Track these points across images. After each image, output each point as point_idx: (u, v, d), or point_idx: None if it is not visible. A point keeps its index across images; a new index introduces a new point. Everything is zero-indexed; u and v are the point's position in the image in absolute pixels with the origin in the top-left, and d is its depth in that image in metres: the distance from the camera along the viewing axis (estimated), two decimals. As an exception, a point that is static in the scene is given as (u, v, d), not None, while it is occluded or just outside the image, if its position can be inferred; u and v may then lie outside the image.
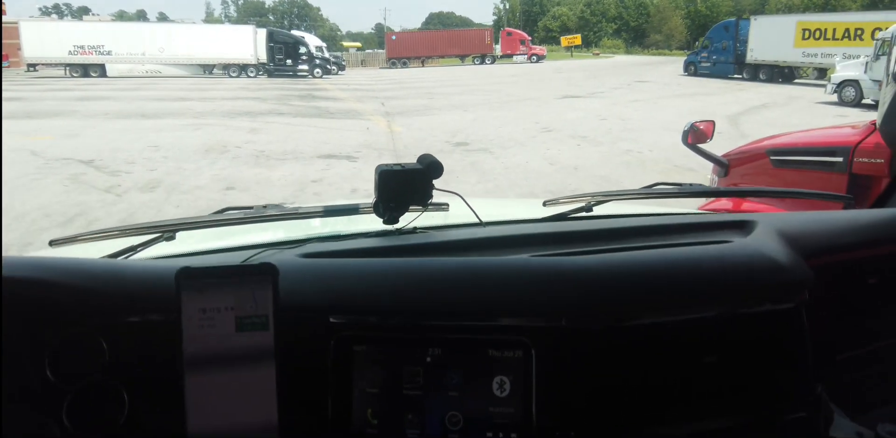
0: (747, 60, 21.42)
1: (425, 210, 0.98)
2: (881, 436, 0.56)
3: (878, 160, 2.24)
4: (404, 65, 37.41)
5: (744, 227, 0.96)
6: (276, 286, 0.65)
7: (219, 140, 8.73)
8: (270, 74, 26.68)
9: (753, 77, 21.16)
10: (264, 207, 1.09)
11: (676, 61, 28.88)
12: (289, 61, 27.10)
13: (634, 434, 0.76)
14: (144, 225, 1.02)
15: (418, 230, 1.00)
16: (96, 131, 9.47)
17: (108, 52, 25.13)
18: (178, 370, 0.63)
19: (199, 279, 0.64)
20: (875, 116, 1.97)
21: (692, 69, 23.96)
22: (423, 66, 37.44)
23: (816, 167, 2.49)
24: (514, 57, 40.22)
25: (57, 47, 24.47)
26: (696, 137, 2.50)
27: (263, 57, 26.66)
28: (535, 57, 39.87)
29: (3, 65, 21.46)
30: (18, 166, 6.82)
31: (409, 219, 1.00)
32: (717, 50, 23.13)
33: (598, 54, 50.57)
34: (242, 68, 26.50)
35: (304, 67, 27.16)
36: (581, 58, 45.50)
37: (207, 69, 26.96)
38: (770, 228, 0.92)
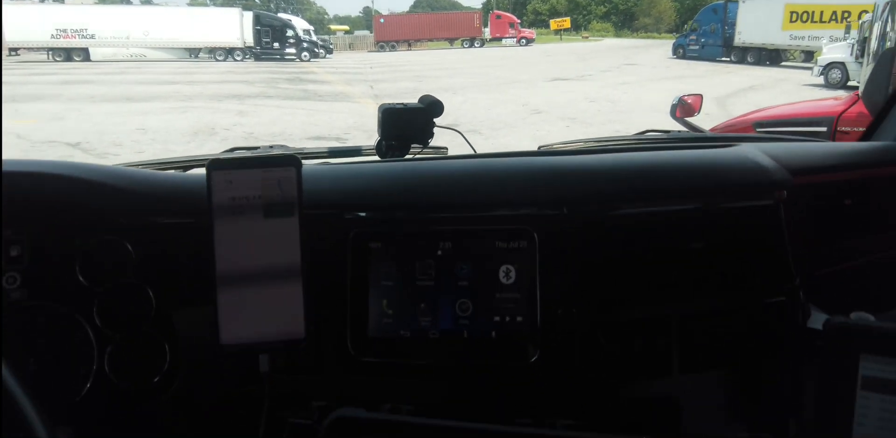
0: (735, 42, 21.45)
1: (424, 148, 1.03)
2: (853, 321, 0.61)
3: (861, 129, 2.30)
4: (392, 48, 37.04)
5: (731, 145, 1.02)
6: (299, 176, 0.67)
7: (207, 123, 8.66)
8: (257, 58, 26.31)
9: (741, 60, 21.21)
10: (270, 147, 1.14)
11: (665, 44, 28.83)
12: (276, 45, 26.72)
13: (626, 312, 0.82)
14: (155, 161, 1.07)
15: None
16: (82, 115, 9.35)
17: (92, 36, 24.65)
18: (209, 258, 0.65)
19: (227, 169, 0.66)
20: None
21: (681, 52, 23.95)
22: (410, 49, 37.11)
23: (800, 137, 2.56)
24: (504, 40, 39.95)
25: (38, 31, 23.93)
26: (683, 110, 2.53)
27: (250, 40, 26.25)
28: (524, 40, 39.62)
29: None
30: (4, 149, 6.74)
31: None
32: (705, 33, 23.12)
33: (587, 38, 50.30)
34: (229, 52, 26.09)
35: (292, 50, 26.80)
36: (570, 41, 45.26)
37: (193, 53, 26.55)
38: (754, 145, 0.99)
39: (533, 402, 0.80)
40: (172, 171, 1.05)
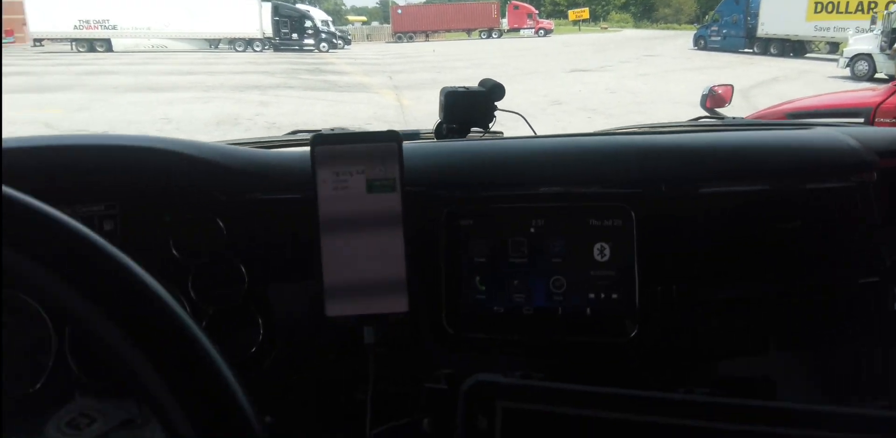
0: (758, 33, 21.08)
1: (485, 132, 1.04)
2: None
3: None
4: (410, 39, 36.93)
5: (810, 127, 1.03)
6: (401, 151, 0.68)
7: (229, 113, 8.74)
8: (276, 49, 26.40)
9: (764, 51, 20.86)
10: (332, 129, 1.18)
11: (686, 35, 28.43)
12: (294, 35, 26.77)
13: (723, 290, 0.82)
14: (246, 141, 1.11)
15: None
16: (107, 104, 9.48)
17: (114, 27, 24.89)
18: (313, 232, 0.67)
19: (331, 144, 0.67)
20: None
21: (702, 43, 23.61)
22: (427, 40, 36.98)
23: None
24: (522, 31, 39.66)
25: (62, 22, 24.22)
26: (714, 101, 2.52)
27: (269, 31, 26.31)
28: (542, 31, 39.29)
29: (5, 40, 21.29)
30: (33, 137, 6.89)
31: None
32: (727, 24, 22.75)
33: (606, 28, 49.77)
34: (248, 43, 26.19)
35: (310, 41, 26.83)
36: (589, 32, 44.80)
37: (213, 44, 26.71)
38: (835, 128, 1.00)
39: (631, 378, 0.80)
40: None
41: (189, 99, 10.15)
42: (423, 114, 8.88)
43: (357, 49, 29.32)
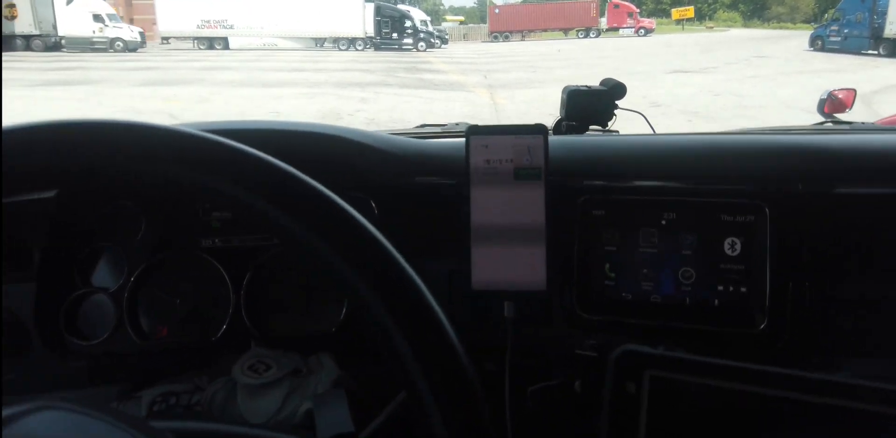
0: (885, 33, 19.33)
1: (604, 130, 1.07)
2: None
3: None
4: (506, 39, 36.86)
5: None
6: (546, 143, 0.74)
7: (332, 108, 9.17)
8: (377, 48, 27.26)
9: (892, 53, 19.10)
10: (456, 124, 1.26)
11: (801, 36, 26.56)
12: (394, 35, 27.55)
13: (857, 290, 0.82)
14: (400, 131, 1.19)
15: None
16: (223, 97, 10.21)
17: (231, 27, 26.70)
18: (463, 214, 0.74)
19: (484, 134, 0.75)
20: None
21: (819, 44, 21.99)
22: (523, 39, 36.76)
23: None
24: (621, 30, 38.55)
25: (187, 22, 26.30)
26: (833, 106, 2.36)
27: (371, 30, 27.26)
28: (642, 30, 38.01)
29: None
30: (161, 127, 7.56)
31: None
32: (849, 23, 21.04)
33: (711, 28, 47.36)
34: (351, 42, 27.25)
35: (409, 40, 27.51)
36: (693, 31, 42.81)
37: (319, 42, 27.96)
38: None
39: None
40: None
41: (296, 95, 10.73)
42: (517, 113, 8.91)
43: (453, 48, 29.66)
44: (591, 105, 1.00)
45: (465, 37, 40.28)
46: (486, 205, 0.74)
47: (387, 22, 27.42)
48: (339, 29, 27.08)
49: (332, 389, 0.79)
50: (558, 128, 1.09)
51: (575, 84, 1.08)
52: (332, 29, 27.11)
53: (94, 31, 23.62)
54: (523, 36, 37.54)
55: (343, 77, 13.84)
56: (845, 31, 21.12)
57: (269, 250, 0.92)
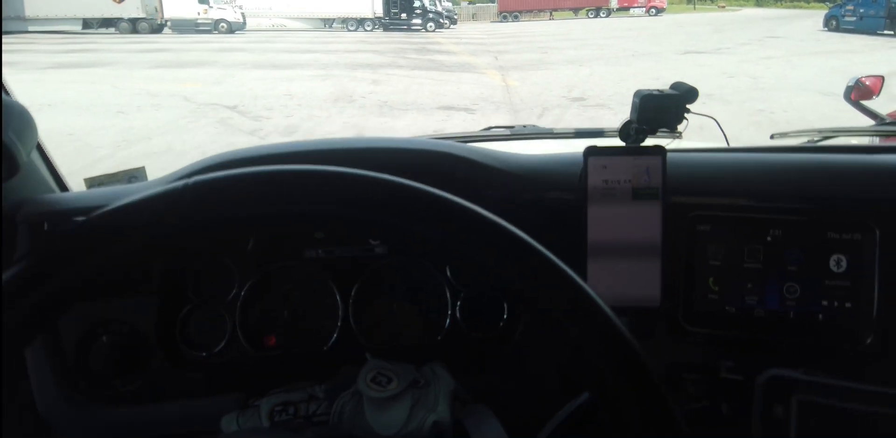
0: (902, 13, 19.05)
1: (674, 136, 1.09)
2: None
3: None
4: (515, 18, 36.38)
5: None
6: (664, 164, 0.76)
7: (344, 90, 9.18)
8: (386, 28, 27.01)
9: (908, 33, 18.84)
10: (524, 126, 1.30)
11: (815, 15, 26.11)
12: (403, 15, 27.27)
13: None
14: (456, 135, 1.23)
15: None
16: (236, 80, 10.22)
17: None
18: (579, 230, 0.75)
19: (602, 155, 0.77)
20: None
21: (834, 24, 21.61)
22: (533, 19, 36.30)
23: None
24: (631, 10, 37.91)
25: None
26: (860, 93, 2.27)
27: (380, 11, 26.98)
28: (653, 10, 37.36)
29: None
30: (175, 109, 7.60)
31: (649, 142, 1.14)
32: (865, 2, 20.60)
33: (723, 7, 46.52)
34: (360, 22, 26.99)
35: (418, 21, 27.23)
36: (704, 11, 42.14)
37: (328, 23, 27.72)
38: None
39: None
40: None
41: (308, 76, 10.73)
42: (530, 95, 8.89)
43: (462, 28, 29.38)
44: (662, 109, 0.98)
45: (475, 17, 39.79)
46: (603, 223, 0.76)
47: (395, 2, 27.12)
48: (347, 9, 26.79)
49: (466, 402, 0.80)
50: (626, 130, 1.10)
51: (647, 88, 1.09)
52: (340, 9, 26.84)
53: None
54: (533, 16, 37.06)
55: (353, 58, 13.79)
56: (861, 10, 20.73)
57: (375, 261, 0.93)
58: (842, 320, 0.82)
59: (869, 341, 0.80)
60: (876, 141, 1.54)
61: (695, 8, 44.30)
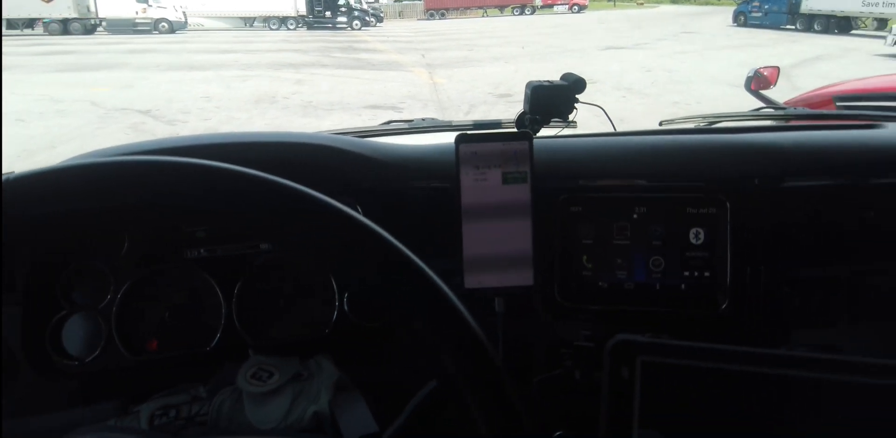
0: (801, 9, 20.29)
1: (565, 122, 1.11)
2: None
3: None
4: (442, 16, 36.52)
5: (875, 126, 1.12)
6: (531, 148, 0.78)
7: (267, 91, 8.91)
8: (310, 27, 26.45)
9: (808, 28, 20.11)
10: (423, 119, 1.29)
11: (725, 12, 27.49)
12: (327, 13, 26.77)
13: (805, 270, 0.93)
14: (349, 130, 1.22)
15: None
16: (149, 83, 9.73)
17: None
18: (454, 217, 0.78)
19: (473, 142, 0.78)
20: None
21: (742, 20, 22.85)
22: (460, 17, 36.51)
23: (888, 112, 2.48)
24: (555, 7, 38.79)
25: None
26: (759, 83, 2.47)
27: (303, 9, 26.39)
28: (576, 7, 38.38)
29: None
30: (82, 115, 7.15)
31: (543, 133, 1.13)
32: (769, -1, 21.97)
33: (642, 4, 48.35)
34: (282, 21, 26.32)
35: (343, 19, 26.81)
36: (624, 8, 43.66)
37: (248, 22, 26.89)
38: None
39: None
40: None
41: (227, 77, 10.35)
42: (457, 92, 8.90)
43: (389, 27, 29.17)
44: (552, 99, 1.04)
45: (401, 15, 39.62)
46: (476, 208, 0.79)
47: (319, 0, 26.63)
48: (269, 8, 26.06)
49: (345, 391, 0.81)
50: (521, 121, 1.12)
51: (538, 79, 1.12)
52: (261, 8, 26.06)
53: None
54: (460, 13, 37.27)
55: (276, 58, 13.43)
56: (766, 7, 22.01)
57: (258, 258, 0.92)
58: (701, 288, 0.89)
59: (724, 306, 0.88)
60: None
61: (615, 5, 45.82)
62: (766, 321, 0.91)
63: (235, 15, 26.45)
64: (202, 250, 0.91)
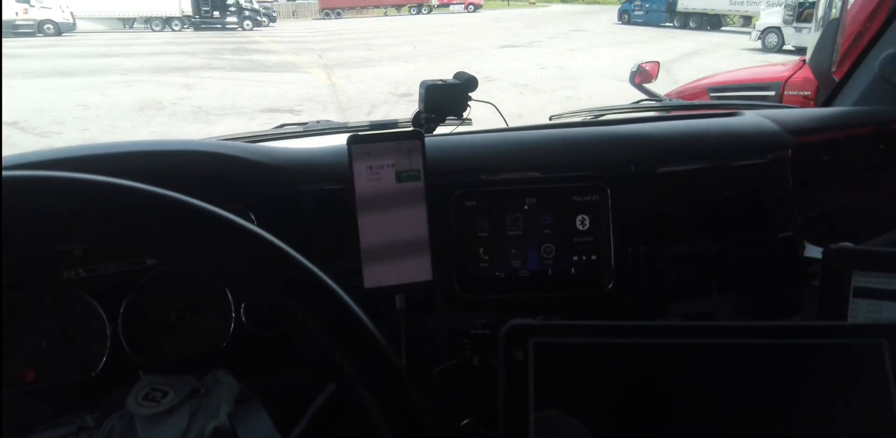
0: (678, 8, 21.74)
1: (460, 120, 1.15)
2: (847, 246, 0.78)
3: (806, 92, 2.50)
4: (338, 16, 35.93)
5: (736, 114, 1.23)
6: (423, 146, 0.79)
7: (152, 97, 8.37)
8: (197, 27, 25.05)
9: (684, 25, 21.59)
10: (317, 121, 1.28)
11: (611, 10, 28.97)
12: (216, 13, 25.46)
13: (679, 247, 1.00)
14: (241, 135, 1.18)
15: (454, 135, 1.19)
16: (14, 91, 8.84)
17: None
18: (350, 218, 0.77)
19: (365, 142, 0.78)
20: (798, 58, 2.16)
21: (626, 18, 24.14)
22: (357, 16, 36.10)
23: (752, 101, 2.75)
24: (451, 6, 39.25)
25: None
26: (642, 77, 2.67)
27: (188, 9, 24.90)
28: (471, 6, 39.03)
29: None
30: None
31: (440, 131, 1.17)
32: (649, -2, 23.36)
33: (534, 3, 49.96)
34: (166, 21, 24.73)
35: (233, 19, 25.58)
36: (517, 7, 44.92)
37: (127, 23, 25.09)
38: (757, 112, 1.21)
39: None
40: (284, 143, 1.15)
41: (107, 83, 9.62)
42: (357, 93, 8.78)
43: (283, 27, 28.29)
44: (446, 97, 1.07)
45: (295, 14, 38.55)
46: (372, 208, 0.79)
47: (206, -1, 25.37)
48: (149, 7, 24.41)
49: (246, 403, 0.79)
50: (417, 120, 1.15)
51: (431, 78, 1.13)
52: (141, 8, 24.35)
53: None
54: (357, 13, 36.85)
55: (161, 61, 12.65)
56: (646, 6, 23.38)
57: (144, 275, 0.88)
58: (589, 271, 0.95)
59: (610, 286, 0.94)
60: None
61: (508, 4, 47.02)
62: (647, 295, 0.98)
63: (112, 16, 24.60)
64: (81, 271, 0.85)
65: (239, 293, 0.87)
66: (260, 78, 10.44)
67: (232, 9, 25.64)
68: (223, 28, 25.37)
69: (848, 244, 0.81)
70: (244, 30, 25.13)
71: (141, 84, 9.56)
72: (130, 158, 0.87)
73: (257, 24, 26.15)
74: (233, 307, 0.91)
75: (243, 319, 0.91)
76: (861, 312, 0.75)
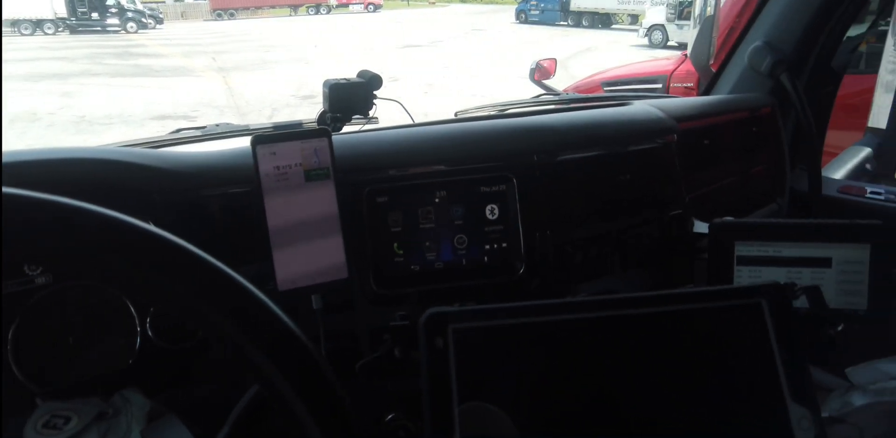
0: (571, 7, 22.70)
1: (366, 119, 1.14)
2: (730, 220, 0.87)
3: (689, 84, 2.69)
4: (231, 16, 34.53)
5: (627, 104, 1.31)
6: (331, 144, 0.79)
7: (25, 108, 7.68)
8: (73, 31, 23.17)
9: (577, 24, 22.56)
10: (217, 125, 1.24)
11: (509, 10, 29.74)
12: (94, 15, 23.63)
13: (582, 230, 1.06)
14: (143, 141, 1.14)
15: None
16: None
17: None
18: (260, 220, 0.76)
19: (270, 142, 0.76)
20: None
21: (523, 17, 24.89)
22: (252, 17, 34.88)
23: (641, 93, 2.91)
24: (351, 6, 38.82)
25: None
26: (541, 73, 2.76)
27: (62, 10, 22.96)
28: (371, 6, 38.78)
29: None
30: None
31: (347, 130, 1.16)
32: (544, -2, 24.19)
33: (434, 3, 50.41)
34: (36, 24, 22.76)
35: (115, 20, 23.83)
36: (417, 7, 45.13)
37: (-13, 27, 22.91)
38: (645, 102, 1.31)
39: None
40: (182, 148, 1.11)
41: (-31, 94, 8.73)
42: (256, 96, 8.47)
43: (171, 28, 26.82)
44: (351, 96, 1.06)
45: (184, 15, 36.60)
46: (281, 209, 0.77)
47: (83, 0, 23.53)
48: (16, 9, 22.34)
49: (159, 418, 0.77)
50: (323, 120, 1.14)
51: (334, 77, 1.11)
52: (6, 9, 22.27)
53: None
54: (252, 13, 35.58)
55: (33, 68, 11.63)
56: (542, 5, 24.22)
57: (34, 295, 0.81)
58: (501, 258, 0.97)
59: (521, 271, 0.98)
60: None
61: (409, 4, 47.13)
62: (557, 278, 1.03)
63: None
64: None
65: (148, 300, 0.83)
66: (149, 83, 9.84)
67: (113, 10, 23.87)
68: (103, 31, 23.57)
69: (730, 219, 0.88)
70: (128, 32, 23.49)
71: (10, 94, 8.71)
72: (14, 167, 0.81)
73: (142, 26, 24.51)
74: (137, 322, 0.86)
75: (150, 334, 0.86)
76: (744, 277, 0.85)
